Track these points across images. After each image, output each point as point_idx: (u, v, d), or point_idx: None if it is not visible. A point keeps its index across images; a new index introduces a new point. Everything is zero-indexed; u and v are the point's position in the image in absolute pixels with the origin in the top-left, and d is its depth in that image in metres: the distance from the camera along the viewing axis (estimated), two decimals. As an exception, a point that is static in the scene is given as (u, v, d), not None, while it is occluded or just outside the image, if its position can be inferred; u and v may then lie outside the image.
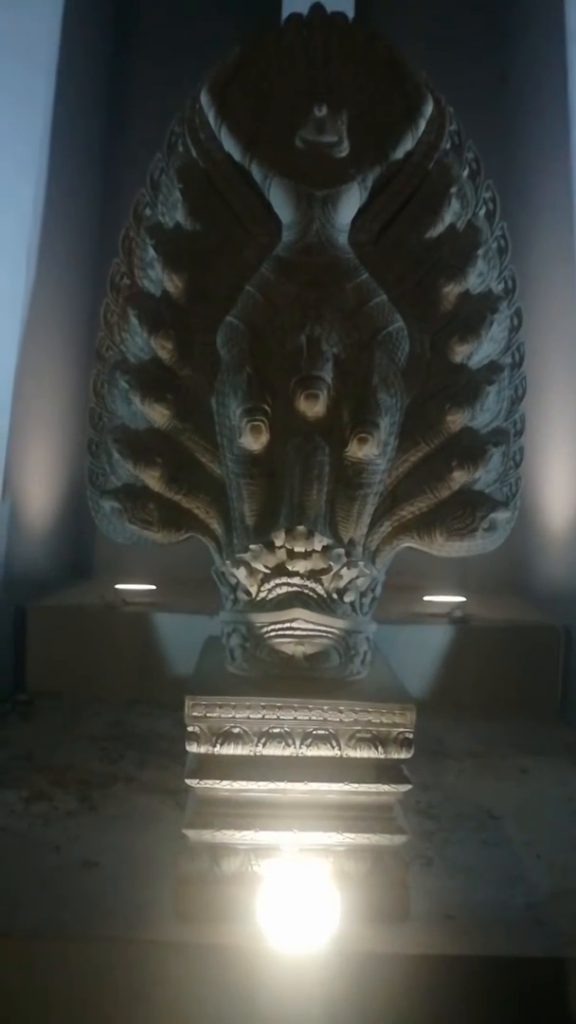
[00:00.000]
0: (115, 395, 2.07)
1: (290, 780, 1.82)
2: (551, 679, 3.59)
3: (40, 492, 3.91)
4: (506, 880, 2.10)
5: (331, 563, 1.83)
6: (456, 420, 1.96)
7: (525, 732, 3.27)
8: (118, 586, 3.83)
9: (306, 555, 1.82)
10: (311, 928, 1.68)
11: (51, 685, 3.50)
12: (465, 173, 2.09)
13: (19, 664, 3.55)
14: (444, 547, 2.02)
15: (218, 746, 1.82)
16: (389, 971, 1.73)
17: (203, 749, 1.82)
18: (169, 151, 2.09)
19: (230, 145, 1.99)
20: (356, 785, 1.83)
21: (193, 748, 1.83)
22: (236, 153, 1.98)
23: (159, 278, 2.02)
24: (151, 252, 2.01)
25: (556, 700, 3.57)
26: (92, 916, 1.86)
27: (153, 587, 3.92)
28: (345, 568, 1.85)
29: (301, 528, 1.79)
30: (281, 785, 1.82)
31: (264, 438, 1.85)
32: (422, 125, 2.01)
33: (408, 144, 2.01)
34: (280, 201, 1.94)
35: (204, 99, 2.02)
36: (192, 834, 1.85)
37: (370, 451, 1.86)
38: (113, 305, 2.07)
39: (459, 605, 3.85)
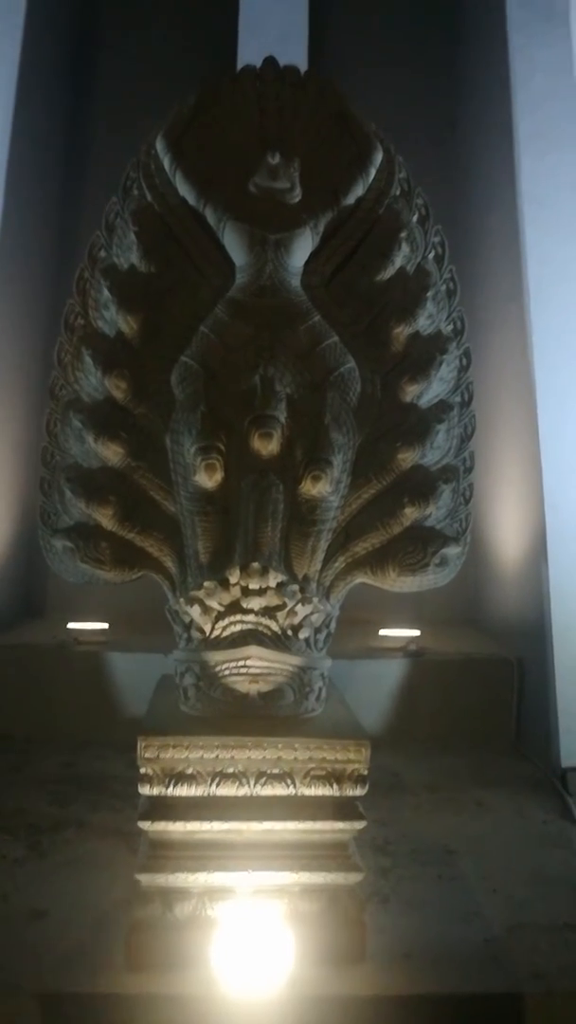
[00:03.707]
0: (68, 434, 2.06)
1: (244, 820, 1.81)
2: (506, 711, 3.62)
3: (-10, 529, 3.85)
4: (462, 916, 2.10)
5: (286, 599, 1.84)
6: (407, 458, 2.00)
7: (481, 764, 3.29)
8: (70, 625, 3.76)
9: (260, 592, 1.83)
10: (267, 972, 1.65)
11: (1, 726, 3.41)
12: (415, 218, 2.16)
13: (-32, 705, 3.45)
14: (397, 582, 2.04)
15: (171, 787, 1.80)
16: (346, 1014, 1.71)
17: (156, 791, 1.80)
18: (124, 195, 2.12)
19: (185, 189, 2.03)
20: (311, 823, 1.83)
21: (145, 790, 1.80)
22: (191, 197, 2.03)
23: (114, 319, 2.04)
24: (106, 293, 2.03)
25: (511, 732, 3.60)
26: (41, 968, 1.80)
27: (106, 626, 3.85)
28: (300, 604, 1.86)
29: (256, 565, 1.81)
30: (235, 825, 1.81)
31: (218, 476, 1.87)
32: (372, 172, 2.09)
33: (359, 191, 2.08)
34: (234, 244, 1.98)
35: (160, 145, 2.06)
36: (144, 879, 1.82)
37: (323, 488, 1.88)
38: (67, 344, 2.08)
39: (414, 639, 3.87)
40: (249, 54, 3.90)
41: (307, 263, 2.03)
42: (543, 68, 3.86)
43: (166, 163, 2.06)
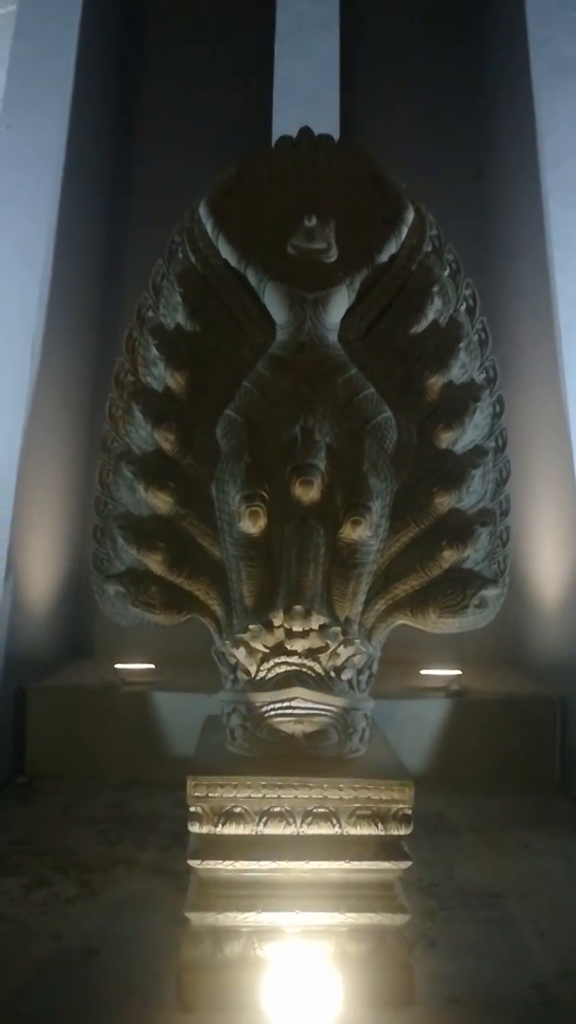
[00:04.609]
0: (120, 484, 2.17)
1: (291, 859, 1.85)
2: (549, 751, 3.59)
3: (41, 574, 3.98)
4: (511, 960, 2.10)
5: (328, 641, 1.90)
6: (444, 502, 2.06)
7: (525, 805, 3.27)
8: (117, 666, 3.85)
9: (304, 634, 1.89)
10: (316, 1014, 1.67)
11: (51, 766, 3.49)
12: (446, 273, 2.25)
13: (19, 745, 3.54)
14: (437, 624, 2.09)
15: (220, 826, 1.84)
16: (395, 1057, 1.72)
17: (205, 829, 1.85)
18: (170, 258, 2.25)
19: (227, 252, 2.15)
20: (357, 863, 1.85)
21: (195, 828, 1.85)
22: (233, 259, 2.15)
23: (162, 375, 2.16)
24: (154, 351, 2.15)
25: (555, 772, 3.57)
26: (93, 1008, 1.85)
27: (152, 666, 3.94)
28: (342, 646, 1.91)
29: (299, 608, 1.87)
30: (283, 864, 1.85)
31: (262, 522, 1.94)
32: (404, 231, 2.19)
33: (392, 248, 2.18)
34: (274, 303, 2.09)
35: (203, 211, 2.19)
36: (195, 917, 1.86)
37: (363, 533, 1.95)
38: (118, 400, 2.20)
39: (455, 678, 3.88)
40: (283, 120, 4.09)
41: (344, 318, 2.13)
42: (568, 120, 3.98)
43: (209, 227, 2.19)
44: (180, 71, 5.15)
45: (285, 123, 3.95)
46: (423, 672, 3.96)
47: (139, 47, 5.27)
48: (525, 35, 4.16)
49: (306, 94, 4.32)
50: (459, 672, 3.96)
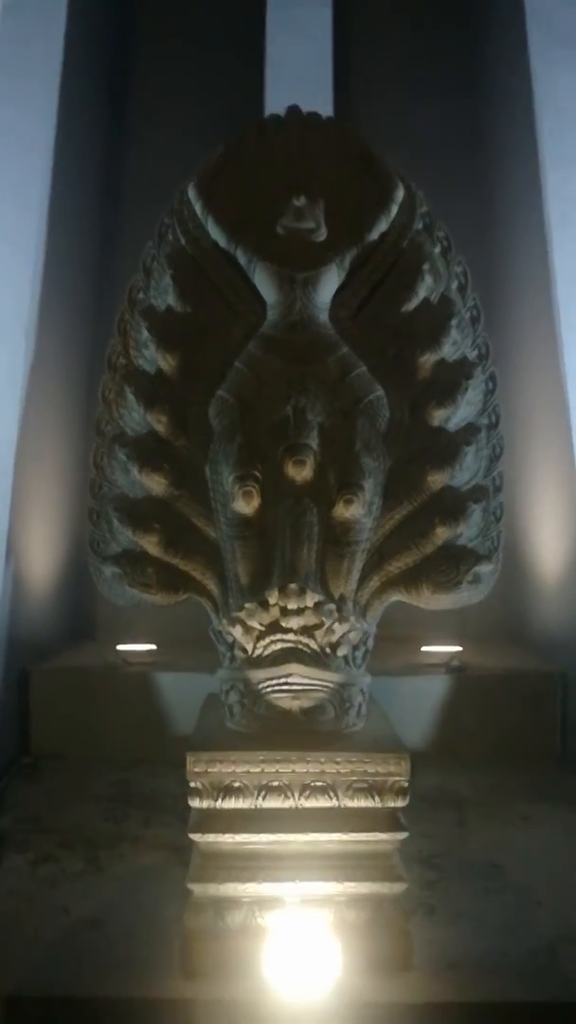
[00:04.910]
0: (114, 466, 2.19)
1: (290, 831, 1.88)
2: (550, 725, 3.62)
3: (41, 557, 4.01)
4: (508, 928, 2.14)
5: (323, 618, 1.92)
6: (437, 479, 2.08)
7: (526, 780, 3.30)
8: (119, 647, 3.88)
9: (299, 612, 1.91)
10: (316, 979, 1.72)
11: (55, 747, 3.54)
12: (437, 250, 2.25)
13: (23, 726, 3.59)
14: (431, 600, 2.11)
15: (220, 800, 1.88)
16: (392, 1020, 1.76)
17: (205, 804, 1.89)
18: (160, 239, 2.26)
19: (216, 233, 2.16)
20: (354, 834, 1.89)
21: (195, 803, 1.89)
22: (222, 240, 2.15)
23: (153, 357, 2.17)
24: (145, 333, 2.16)
25: (556, 747, 3.60)
26: (101, 976, 1.90)
27: (154, 647, 3.97)
28: (337, 623, 1.94)
29: (293, 586, 1.89)
30: (282, 836, 1.88)
31: (256, 502, 1.96)
32: (394, 209, 2.19)
33: (382, 226, 2.17)
34: (264, 283, 2.10)
35: (192, 192, 2.19)
36: (197, 888, 1.90)
37: (356, 511, 1.97)
38: (111, 383, 2.21)
39: (456, 654, 3.90)
40: (276, 98, 4.05)
41: (335, 297, 2.13)
42: (567, 93, 3.93)
43: (198, 209, 2.19)
44: (171, 49, 5.10)
45: (278, 100, 3.92)
46: (424, 649, 3.99)
47: (129, 25, 5.21)
48: (522, 6, 4.10)
49: (299, 70, 4.26)
50: (460, 648, 3.99)
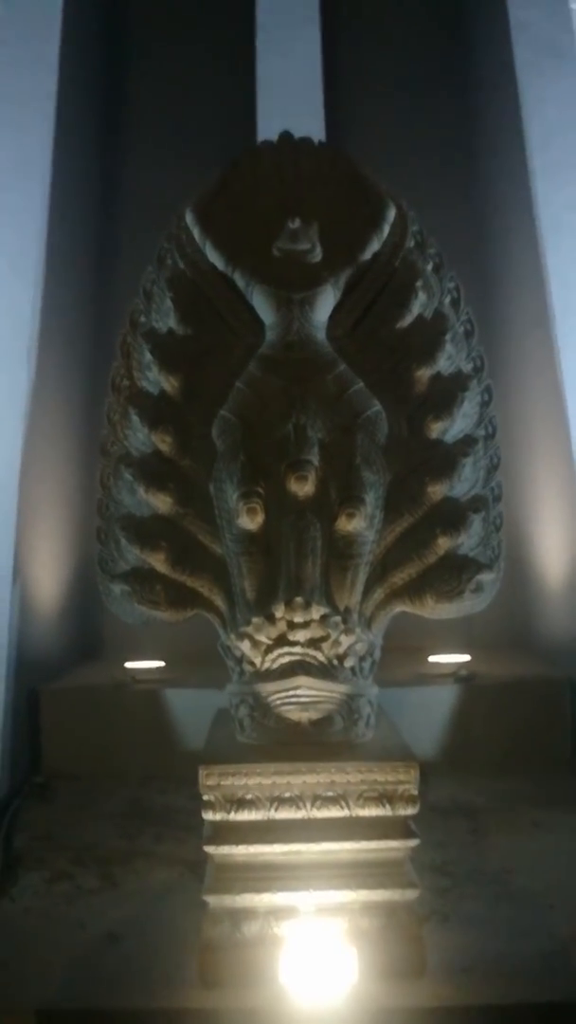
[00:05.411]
0: (120, 486, 2.23)
1: (303, 841, 1.91)
2: (560, 731, 3.63)
3: (47, 577, 4.05)
4: (521, 932, 2.16)
5: (329, 631, 1.96)
6: (436, 491, 2.12)
7: (537, 785, 3.32)
8: (128, 664, 3.91)
9: (305, 625, 1.95)
10: (331, 986, 1.74)
11: (67, 766, 3.56)
12: (429, 267, 2.30)
13: (34, 746, 3.62)
14: (435, 610, 2.14)
15: (233, 813, 1.91)
16: (408, 1025, 1.79)
17: (219, 816, 1.92)
18: (159, 264, 2.31)
19: (215, 257, 2.22)
20: (366, 843, 1.92)
21: (209, 816, 1.92)
22: (220, 264, 2.21)
23: (156, 379, 2.22)
24: (148, 355, 2.22)
25: (567, 751, 3.62)
26: (120, 988, 1.92)
27: (162, 664, 4.00)
28: (343, 635, 1.97)
29: (299, 599, 1.93)
30: (295, 847, 1.91)
31: (260, 518, 2.01)
32: (386, 229, 2.24)
33: (375, 246, 2.23)
34: (262, 305, 2.16)
35: (189, 218, 2.25)
36: (213, 900, 1.93)
37: (358, 524, 2.01)
38: (115, 405, 2.26)
39: (464, 664, 3.92)
40: (268, 116, 4.13)
41: (331, 316, 2.18)
42: (553, 102, 4.01)
43: (196, 233, 2.25)
44: (164, 72, 5.19)
45: (270, 119, 4.01)
46: (431, 659, 4.01)
47: (121, 49, 5.31)
48: (507, 18, 4.18)
49: (290, 89, 4.35)
50: (468, 657, 4.01)
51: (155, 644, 4.01)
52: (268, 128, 3.99)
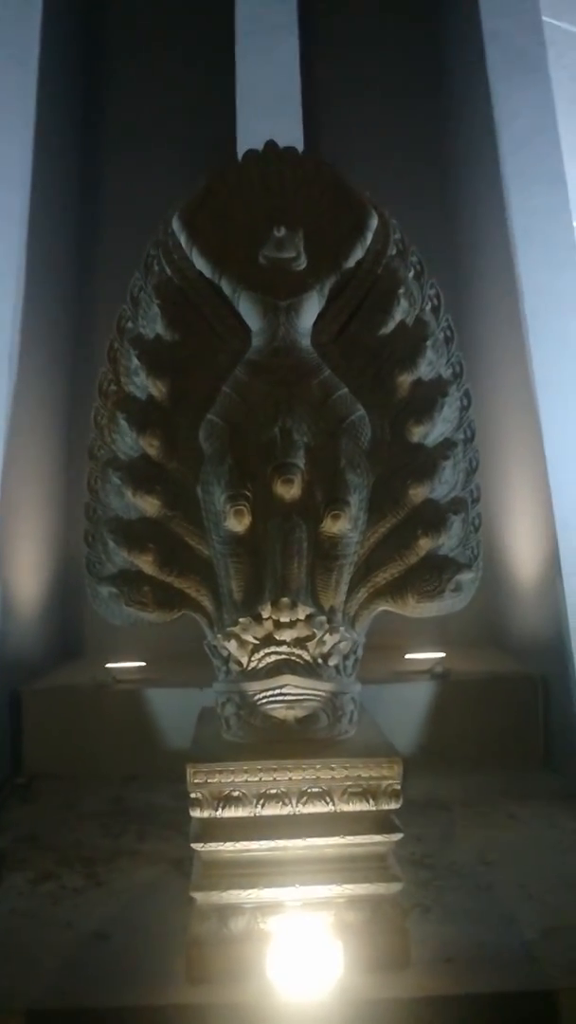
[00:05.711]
0: (108, 490, 2.26)
1: (289, 837, 1.95)
2: (533, 727, 3.72)
3: (29, 578, 4.05)
4: (500, 922, 2.22)
5: (315, 630, 2.00)
6: (418, 493, 2.17)
7: (511, 780, 3.40)
8: (109, 665, 3.92)
9: (291, 624, 1.99)
10: (318, 980, 1.78)
11: (49, 766, 3.57)
12: (411, 274, 2.35)
13: (16, 747, 3.62)
14: (416, 608, 2.19)
15: (220, 810, 1.94)
16: (394, 1016, 1.83)
17: (206, 813, 1.95)
18: (146, 270, 2.34)
19: (201, 264, 2.25)
20: (351, 837, 1.96)
21: (196, 813, 1.95)
22: (207, 271, 2.24)
23: (144, 384, 2.25)
24: (135, 361, 2.24)
25: (539, 747, 3.70)
26: (109, 987, 1.94)
27: (143, 663, 4.02)
28: (328, 634, 2.02)
29: (285, 600, 1.97)
30: (281, 843, 1.95)
31: (247, 520, 2.05)
32: (369, 237, 2.29)
33: (358, 254, 2.28)
34: (249, 311, 2.19)
35: (176, 225, 2.28)
36: (200, 896, 1.96)
37: (343, 526, 2.06)
38: (103, 409, 2.28)
39: (440, 661, 3.99)
40: (247, 123, 4.17)
41: (315, 323, 2.23)
42: (525, 111, 4.09)
43: (182, 240, 2.28)
44: (144, 77, 5.20)
45: (249, 124, 4.04)
46: (408, 656, 4.07)
47: (101, 55, 5.31)
48: (479, 28, 4.26)
49: (269, 96, 4.38)
50: (443, 655, 4.08)
51: (136, 644, 4.02)
52: (247, 132, 4.03)
